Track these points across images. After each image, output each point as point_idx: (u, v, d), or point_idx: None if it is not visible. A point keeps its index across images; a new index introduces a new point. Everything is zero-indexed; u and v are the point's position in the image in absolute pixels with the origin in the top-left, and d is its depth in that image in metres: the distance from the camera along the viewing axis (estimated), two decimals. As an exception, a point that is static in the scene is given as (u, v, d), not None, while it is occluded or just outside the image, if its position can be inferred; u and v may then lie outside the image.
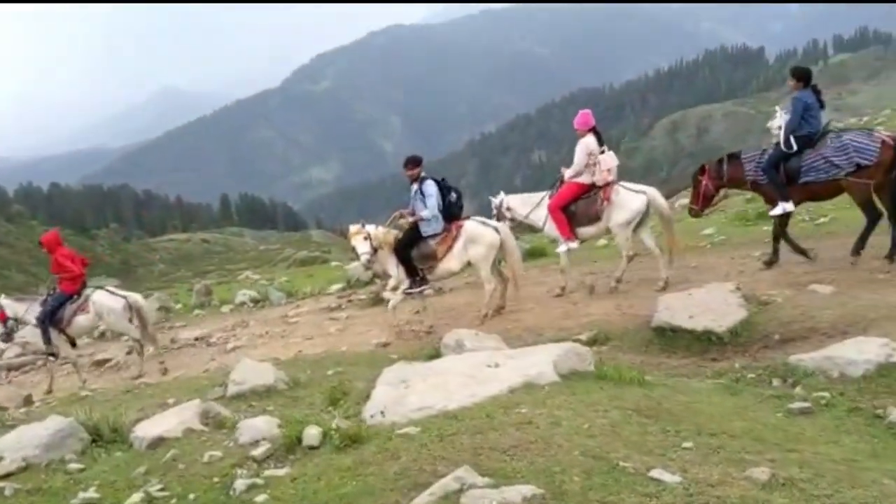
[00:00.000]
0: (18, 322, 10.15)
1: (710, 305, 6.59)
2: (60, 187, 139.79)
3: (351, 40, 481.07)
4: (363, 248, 8.95)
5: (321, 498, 3.51)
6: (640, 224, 9.04)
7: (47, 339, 9.88)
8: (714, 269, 8.97)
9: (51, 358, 10.15)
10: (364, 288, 12.78)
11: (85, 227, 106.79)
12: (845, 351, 5.04)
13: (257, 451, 4.39)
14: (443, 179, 9.25)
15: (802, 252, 8.35)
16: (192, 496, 3.88)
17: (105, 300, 9.98)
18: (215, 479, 4.06)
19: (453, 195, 9.04)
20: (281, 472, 4.00)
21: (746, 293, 6.80)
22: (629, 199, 8.97)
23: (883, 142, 7.70)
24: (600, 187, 9.07)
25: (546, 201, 9.54)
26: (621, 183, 9.18)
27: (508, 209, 9.88)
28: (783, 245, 8.51)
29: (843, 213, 10.22)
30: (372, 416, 4.95)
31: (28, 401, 8.99)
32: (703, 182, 8.96)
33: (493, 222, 9.25)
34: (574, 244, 9.22)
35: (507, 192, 10.24)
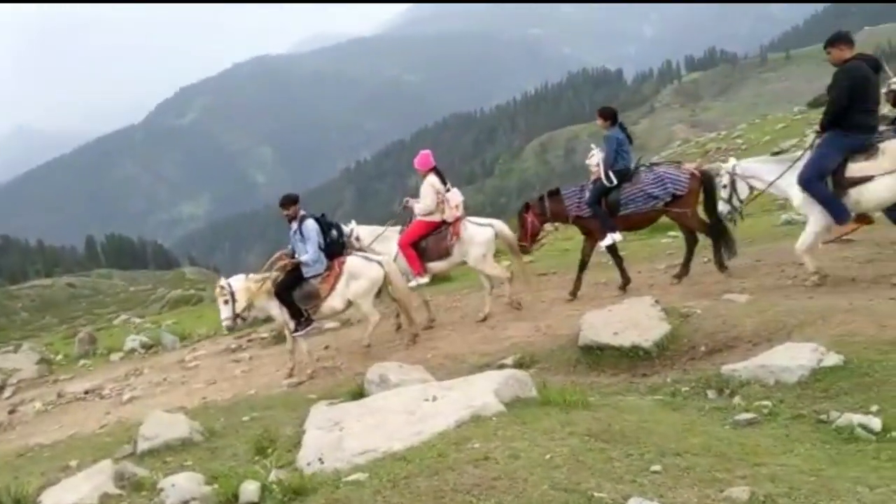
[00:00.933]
0: None
1: (633, 320, 6.60)
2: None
3: (216, 72, 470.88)
4: (224, 312, 8.65)
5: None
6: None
7: None
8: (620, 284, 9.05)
9: None
10: (264, 326, 12.24)
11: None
12: (778, 358, 5.10)
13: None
14: (322, 215, 9.11)
15: (626, 278, 8.99)
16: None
17: None
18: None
19: (334, 232, 8.98)
20: (223, 536, 3.63)
21: (665, 306, 6.85)
22: (478, 233, 9.31)
23: (692, 174, 8.65)
24: (449, 224, 9.31)
25: (391, 235, 9.84)
26: (468, 218, 9.50)
27: (357, 239, 9.85)
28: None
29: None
30: (309, 465, 4.61)
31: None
32: (529, 219, 9.27)
33: (377, 256, 9.17)
34: (424, 279, 9.36)
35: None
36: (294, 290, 8.67)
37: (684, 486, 3.37)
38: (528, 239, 9.36)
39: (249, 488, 4.09)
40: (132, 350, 12.99)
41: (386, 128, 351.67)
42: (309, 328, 8.79)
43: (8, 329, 59.84)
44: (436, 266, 9.49)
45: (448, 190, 9.39)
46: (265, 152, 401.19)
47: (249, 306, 8.70)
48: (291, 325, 8.70)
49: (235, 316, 8.60)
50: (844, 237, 8.57)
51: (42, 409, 10.15)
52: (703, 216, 8.74)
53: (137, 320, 23.20)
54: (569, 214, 9.18)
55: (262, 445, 5.26)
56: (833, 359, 4.96)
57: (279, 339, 10.56)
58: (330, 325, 10.42)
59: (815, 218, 6.99)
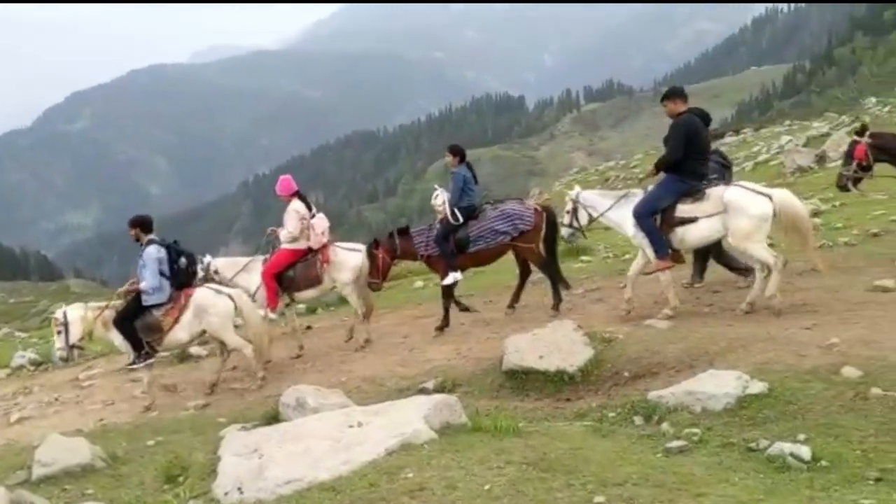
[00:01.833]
0: None
1: (558, 345, 6.56)
2: None
3: (110, 78, 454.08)
4: (58, 343, 8.24)
5: None
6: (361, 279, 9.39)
7: None
8: (542, 307, 9.07)
9: None
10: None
11: None
12: (704, 385, 5.13)
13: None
14: (175, 242, 8.65)
15: (446, 321, 9.08)
16: None
17: None
18: None
19: (183, 260, 8.45)
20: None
21: (588, 331, 6.86)
22: (348, 258, 9.29)
23: (535, 209, 8.97)
24: (316, 250, 9.22)
25: (255, 265, 9.54)
26: (336, 243, 9.46)
27: (216, 272, 9.57)
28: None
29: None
30: (227, 494, 4.35)
31: None
32: (380, 255, 9.18)
33: (228, 290, 8.65)
34: (273, 315, 9.18)
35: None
36: (136, 320, 8.14)
37: (632, 519, 3.30)
38: (379, 275, 9.20)
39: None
40: (20, 367, 12.11)
41: (286, 143, 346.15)
42: (147, 362, 8.23)
43: None
44: (305, 294, 9.42)
45: (313, 216, 9.26)
46: (160, 163, 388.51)
47: (88, 336, 8.27)
48: (131, 356, 8.20)
49: (70, 347, 8.17)
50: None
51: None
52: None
53: (21, 334, 21.76)
54: (417, 253, 9.23)
55: (173, 473, 4.93)
56: (757, 386, 5.03)
57: (183, 357, 10.07)
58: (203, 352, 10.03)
59: (647, 248, 7.60)
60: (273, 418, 6.15)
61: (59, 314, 8.39)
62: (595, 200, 8.23)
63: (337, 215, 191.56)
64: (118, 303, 8.38)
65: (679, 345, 6.26)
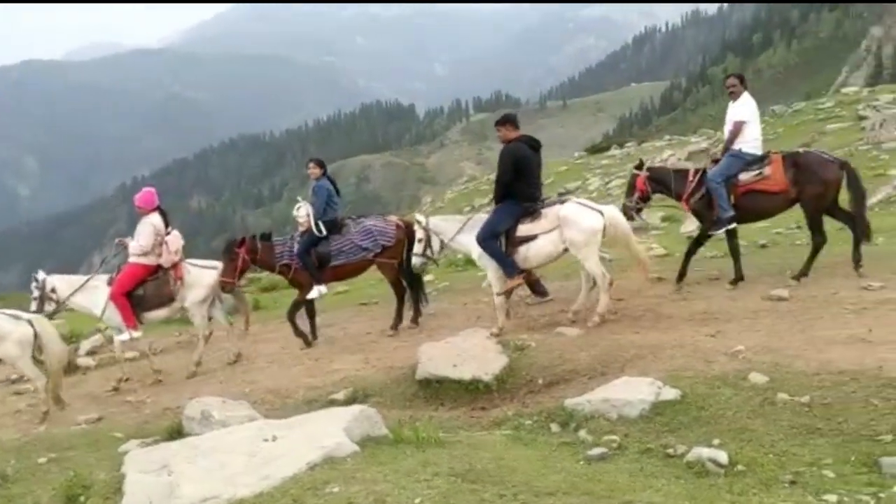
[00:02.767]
0: None
1: (471, 353, 6.56)
2: None
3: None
4: None
5: None
6: (214, 301, 9.18)
7: None
8: (451, 315, 9.06)
9: None
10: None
11: None
12: (619, 392, 5.22)
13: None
14: None
15: (314, 335, 9.15)
16: None
17: None
18: None
19: None
20: None
21: (501, 339, 6.88)
22: (202, 276, 9.01)
23: (397, 225, 9.07)
24: (167, 269, 8.87)
25: (97, 284, 8.93)
26: (189, 261, 9.15)
27: (53, 291, 8.87)
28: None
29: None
30: (136, 514, 4.09)
31: None
32: (241, 254, 8.88)
33: (28, 315, 8.08)
34: (137, 333, 8.81)
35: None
36: None
37: (566, 527, 3.30)
38: (235, 275, 8.84)
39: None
40: None
41: (168, 145, 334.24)
42: None
43: None
44: (156, 314, 9.00)
45: (169, 233, 8.92)
46: (30, 163, 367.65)
47: None
48: None
49: None
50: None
51: None
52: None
53: None
54: (275, 264, 9.09)
55: (73, 492, 4.59)
56: (670, 393, 5.16)
57: (68, 370, 9.49)
58: (128, 354, 9.51)
59: (492, 273, 7.96)
60: (176, 432, 5.88)
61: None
62: (443, 226, 8.41)
63: (221, 220, 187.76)
64: None
65: (590, 352, 6.36)
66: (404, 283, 9.19)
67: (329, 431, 4.59)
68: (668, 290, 8.49)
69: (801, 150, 9.44)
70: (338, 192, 9.22)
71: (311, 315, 9.26)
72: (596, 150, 47.19)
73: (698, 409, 4.97)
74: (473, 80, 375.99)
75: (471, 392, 6.23)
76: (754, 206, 8.33)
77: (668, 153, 29.35)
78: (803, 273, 8.02)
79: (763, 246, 10.32)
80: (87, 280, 8.97)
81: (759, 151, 8.46)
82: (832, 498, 3.77)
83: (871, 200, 12.05)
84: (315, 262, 8.85)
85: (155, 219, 8.82)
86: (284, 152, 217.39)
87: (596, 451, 4.57)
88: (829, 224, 8.19)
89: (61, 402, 8.01)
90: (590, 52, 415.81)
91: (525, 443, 4.96)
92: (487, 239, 7.77)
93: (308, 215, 8.88)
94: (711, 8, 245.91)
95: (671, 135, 46.85)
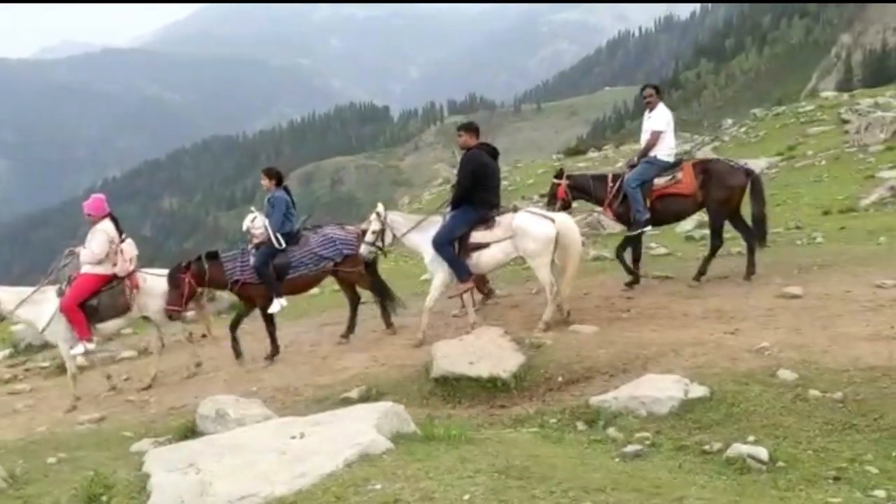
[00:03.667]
0: None
1: (486, 351, 6.47)
2: None
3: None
4: None
5: None
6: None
7: None
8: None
9: None
10: (41, 353, 10.71)
11: None
12: (646, 389, 5.17)
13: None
14: None
15: (275, 348, 8.81)
16: None
17: None
18: None
19: None
20: None
21: (515, 337, 6.81)
22: (158, 284, 8.73)
23: (357, 234, 8.93)
24: (122, 278, 8.62)
25: (44, 297, 8.59)
26: (143, 270, 8.92)
27: None
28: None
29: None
30: (169, 514, 3.95)
31: None
32: (186, 280, 8.56)
33: None
34: (91, 345, 8.61)
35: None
36: None
37: (626, 524, 3.22)
38: (182, 302, 8.53)
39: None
40: None
41: (140, 146, 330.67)
42: None
43: None
44: (111, 325, 8.77)
45: (123, 240, 8.66)
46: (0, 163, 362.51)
47: None
48: None
49: None
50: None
51: None
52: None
53: None
54: (228, 280, 8.73)
55: (94, 492, 4.40)
56: (699, 390, 5.12)
57: (64, 369, 9.28)
58: (126, 353, 9.33)
59: (440, 276, 8.08)
60: (190, 431, 5.74)
61: None
62: (398, 222, 8.52)
63: (193, 222, 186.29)
64: None
65: (609, 350, 6.31)
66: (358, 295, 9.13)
67: (360, 428, 4.48)
68: (677, 288, 8.49)
69: (710, 158, 10.13)
70: (293, 202, 9.01)
71: (273, 329, 8.79)
72: (573, 152, 47.32)
73: (729, 406, 4.93)
74: (448, 83, 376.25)
75: (488, 390, 6.14)
76: (667, 208, 8.91)
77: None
78: (701, 273, 8.67)
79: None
80: (34, 292, 8.60)
81: (672, 159, 9.00)
82: (881, 493, 3.74)
83: (865, 202, 12.21)
84: (273, 275, 8.61)
85: (107, 225, 8.53)
86: (258, 154, 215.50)
87: (630, 448, 4.51)
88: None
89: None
90: (564, 55, 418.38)
91: (554, 441, 4.89)
92: (443, 244, 7.92)
93: (265, 227, 8.63)
94: (684, 13, 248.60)
95: (646, 138, 47.18)
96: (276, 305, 8.56)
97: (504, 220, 7.85)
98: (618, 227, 11.02)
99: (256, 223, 8.68)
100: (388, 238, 8.43)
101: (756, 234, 8.70)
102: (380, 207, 8.59)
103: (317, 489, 3.81)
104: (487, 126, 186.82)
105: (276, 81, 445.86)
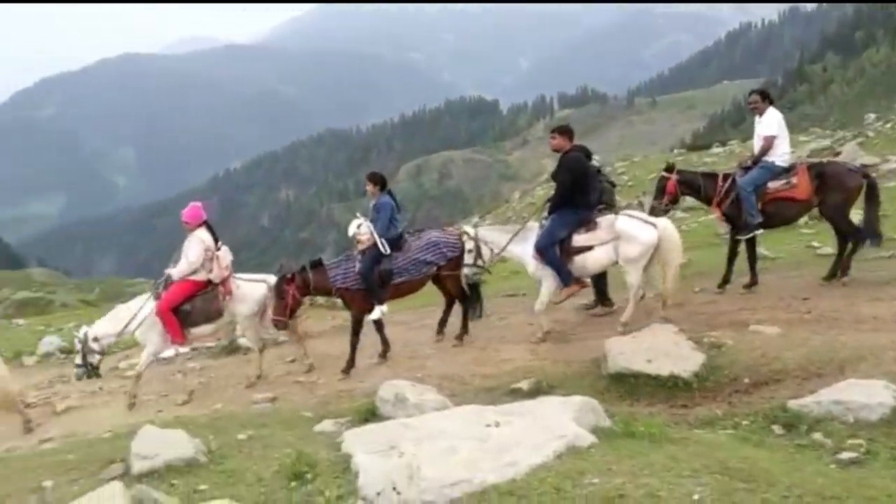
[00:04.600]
0: None
1: (662, 349, 6.35)
2: None
3: (80, 66, 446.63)
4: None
5: None
6: (264, 314, 9.02)
7: None
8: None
9: None
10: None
11: None
12: (850, 394, 4.92)
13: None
14: None
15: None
16: None
17: None
18: None
19: None
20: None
21: (693, 335, 6.64)
22: (251, 290, 8.95)
23: (459, 235, 8.98)
24: (216, 284, 8.80)
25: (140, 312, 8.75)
26: (237, 275, 9.07)
27: (96, 340, 8.66)
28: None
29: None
30: (380, 495, 4.00)
31: None
32: (290, 292, 8.61)
33: None
34: (184, 348, 8.88)
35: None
36: None
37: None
38: (286, 313, 8.58)
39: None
40: (48, 354, 11.56)
41: (258, 138, 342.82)
42: None
43: None
44: (203, 330, 8.88)
45: (219, 248, 8.84)
46: (127, 154, 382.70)
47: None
48: None
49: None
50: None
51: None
52: None
53: (20, 322, 20.94)
54: (332, 287, 8.75)
55: (299, 470, 4.53)
56: (910, 397, 4.83)
57: (231, 349, 9.69)
58: (284, 337, 9.64)
59: (547, 282, 8.22)
60: (371, 413, 5.86)
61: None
62: (492, 237, 8.69)
63: (308, 212, 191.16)
64: None
65: (797, 352, 6.05)
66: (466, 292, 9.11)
67: (561, 421, 4.45)
68: (853, 290, 8.08)
69: (825, 160, 10.24)
70: (398, 206, 8.96)
71: (355, 336, 8.73)
72: (695, 147, 46.10)
73: (948, 415, 4.63)
74: (560, 75, 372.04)
75: (668, 389, 6.01)
76: (780, 212, 8.84)
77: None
78: (843, 272, 8.58)
79: None
80: (115, 312, 8.90)
81: (787, 164, 8.85)
82: None
83: None
84: (378, 281, 8.63)
85: (203, 234, 8.75)
86: (370, 148, 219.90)
87: (845, 455, 4.29)
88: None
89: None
90: (680, 48, 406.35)
91: (754, 444, 4.71)
92: (547, 247, 8.06)
93: (371, 233, 8.65)
94: (811, 5, 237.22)
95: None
96: (377, 312, 8.60)
97: (605, 223, 7.99)
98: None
99: (362, 229, 8.73)
100: (486, 254, 8.61)
101: (867, 235, 8.57)
102: (467, 228, 8.85)
103: (531, 479, 3.79)
104: (599, 119, 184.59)
105: (390, 76, 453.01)
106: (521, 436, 4.36)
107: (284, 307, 8.49)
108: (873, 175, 9.11)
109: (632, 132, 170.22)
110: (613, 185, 10.03)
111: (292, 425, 6.07)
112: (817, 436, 4.70)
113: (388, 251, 8.58)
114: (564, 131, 8.37)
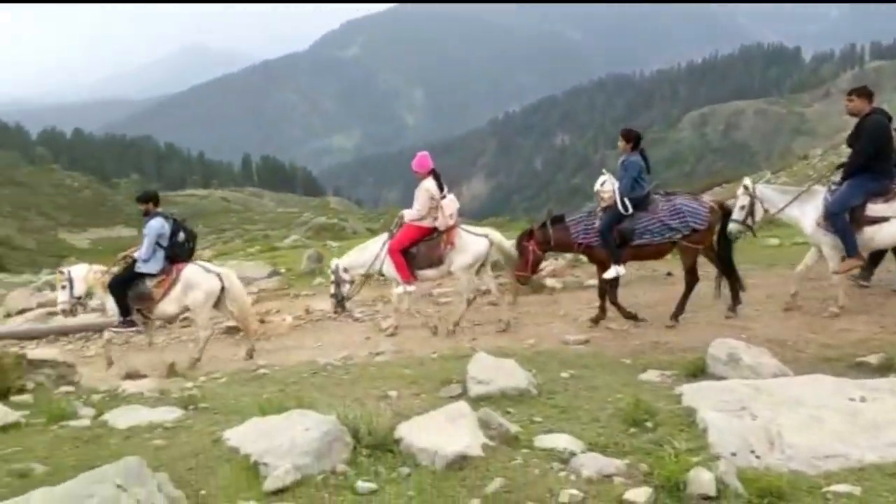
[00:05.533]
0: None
1: None
2: (83, 134, 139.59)
3: (382, 8, 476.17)
4: (62, 296, 8.84)
5: None
6: (482, 266, 9.14)
7: None
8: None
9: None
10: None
11: (106, 176, 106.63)
12: None
13: (636, 497, 3.37)
14: (179, 220, 9.07)
15: (603, 313, 8.61)
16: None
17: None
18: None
19: (181, 235, 8.87)
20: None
21: None
22: (472, 243, 8.99)
23: (711, 207, 8.32)
24: (442, 231, 8.95)
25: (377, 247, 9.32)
26: (462, 227, 9.22)
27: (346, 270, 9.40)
28: None
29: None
30: (734, 455, 3.86)
31: (172, 370, 8.04)
32: (530, 248, 8.56)
33: (218, 268, 9.18)
34: (412, 287, 9.00)
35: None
36: (130, 287, 8.59)
37: None
38: (528, 268, 8.63)
39: (702, 478, 3.41)
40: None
41: (538, 83, 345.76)
42: (130, 329, 8.80)
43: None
44: (426, 273, 9.14)
45: (444, 197, 8.93)
46: (417, 95, 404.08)
47: (89, 294, 8.89)
48: (116, 320, 8.65)
49: (75, 300, 8.75)
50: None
51: (294, 323, 10.03)
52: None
53: (334, 244, 23.21)
54: (574, 243, 8.56)
55: (637, 417, 4.55)
56: None
57: (537, 287, 10.04)
58: (590, 282, 9.79)
59: (826, 248, 7.82)
60: (700, 370, 5.72)
61: (63, 270, 9.09)
62: (770, 196, 8.20)
63: (581, 158, 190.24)
64: (117, 269, 8.88)
65: None
66: (718, 268, 8.53)
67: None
68: None
69: None
70: (648, 168, 8.54)
71: (614, 295, 8.57)
72: None
73: None
74: (873, 24, 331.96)
75: None
76: None
77: None
78: None
79: None
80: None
81: None
82: None
83: None
84: (616, 241, 8.32)
85: (429, 183, 8.91)
86: (653, 93, 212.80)
87: None
88: None
89: (250, 336, 9.10)
90: None
91: None
92: (838, 214, 7.60)
93: (613, 191, 8.35)
94: None
95: None
96: (613, 272, 8.34)
97: None
98: None
99: (606, 186, 8.47)
100: (759, 214, 8.14)
101: None
102: (747, 181, 8.26)
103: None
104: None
105: (678, 19, 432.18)
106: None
107: (525, 263, 8.63)
108: None
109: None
110: None
111: (613, 370, 6.10)
112: None
113: (630, 211, 8.30)
114: (863, 93, 7.82)
